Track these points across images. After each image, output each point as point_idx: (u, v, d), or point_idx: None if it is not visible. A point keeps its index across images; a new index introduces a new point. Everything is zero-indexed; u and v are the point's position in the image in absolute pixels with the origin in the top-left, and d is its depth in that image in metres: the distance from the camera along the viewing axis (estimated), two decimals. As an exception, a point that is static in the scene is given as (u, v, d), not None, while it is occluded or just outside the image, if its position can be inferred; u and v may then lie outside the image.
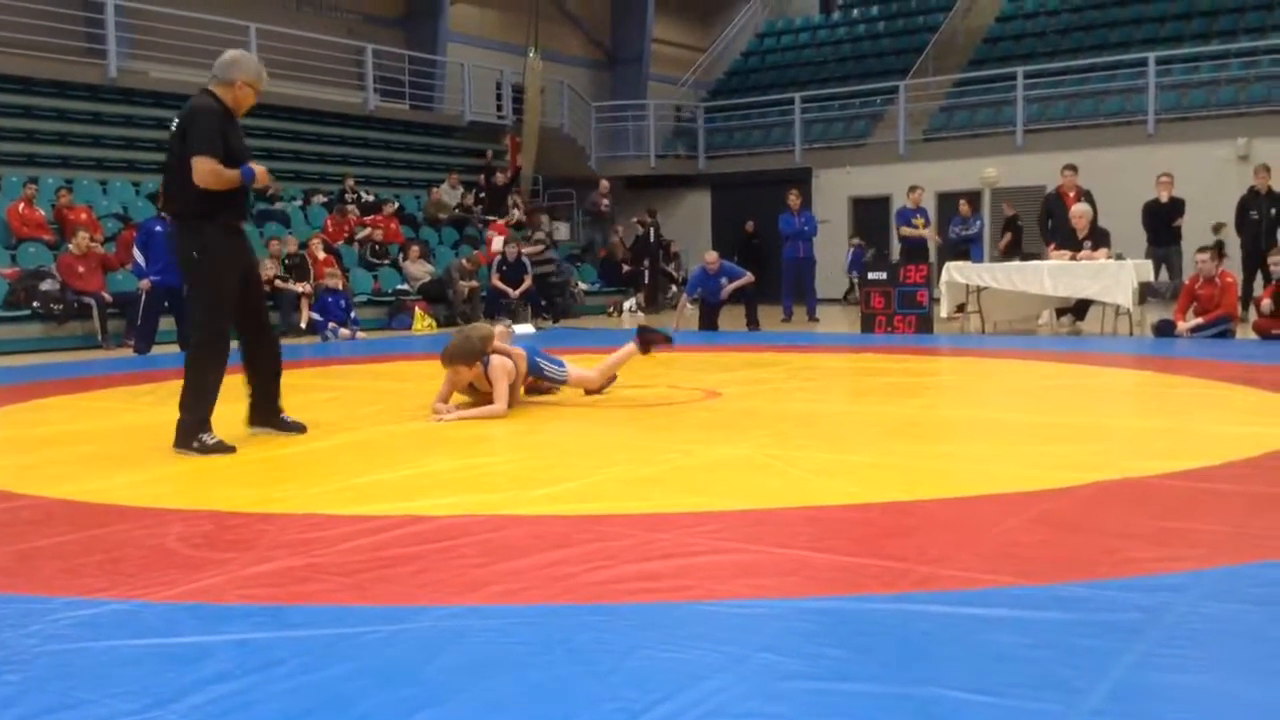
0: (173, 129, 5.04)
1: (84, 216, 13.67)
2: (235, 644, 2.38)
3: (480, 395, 6.09)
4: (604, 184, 20.06)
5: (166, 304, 11.37)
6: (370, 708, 2.03)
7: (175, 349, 11.37)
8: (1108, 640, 2.31)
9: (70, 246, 12.55)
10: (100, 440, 5.41)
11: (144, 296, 11.37)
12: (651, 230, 18.93)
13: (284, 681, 2.16)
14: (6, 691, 2.13)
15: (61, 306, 12.15)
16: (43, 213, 13.65)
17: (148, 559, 3.12)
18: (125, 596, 2.75)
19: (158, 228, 11.28)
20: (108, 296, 12.36)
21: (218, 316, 5.07)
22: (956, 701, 2.01)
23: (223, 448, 4.90)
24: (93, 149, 15.67)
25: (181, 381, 5.03)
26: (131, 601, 2.72)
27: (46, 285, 12.19)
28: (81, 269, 12.33)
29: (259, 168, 5.12)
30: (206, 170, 4.87)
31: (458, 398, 6.16)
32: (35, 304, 12.10)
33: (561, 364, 6.43)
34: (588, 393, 6.56)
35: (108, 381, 8.43)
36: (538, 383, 6.49)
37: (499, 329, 6.42)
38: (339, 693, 2.11)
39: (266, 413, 5.37)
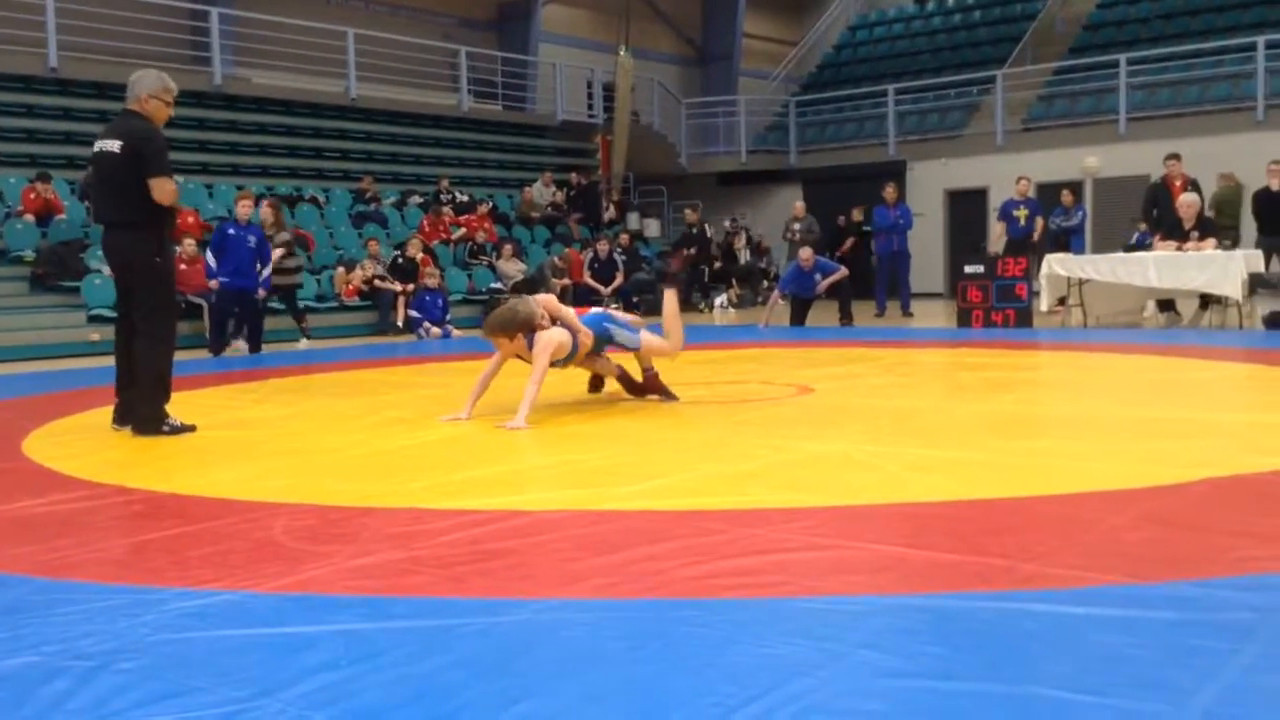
0: (112, 149, 5.50)
1: (190, 220, 14.09)
2: (339, 634, 2.43)
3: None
4: (798, 206, 18.49)
5: (236, 308, 11.59)
6: (469, 699, 2.06)
7: (301, 345, 11.55)
8: (1219, 641, 2.24)
9: (178, 249, 12.94)
10: (207, 436, 5.57)
11: (214, 298, 11.59)
12: (698, 228, 18.81)
13: (386, 671, 2.20)
14: (122, 679, 2.20)
15: (169, 307, 12.52)
16: (151, 217, 14.07)
17: (254, 551, 3.20)
18: (233, 587, 2.83)
19: (230, 230, 11.46)
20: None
21: (173, 316, 5.84)
22: (1060, 701, 1.97)
23: (186, 427, 5.56)
24: (198, 154, 16.14)
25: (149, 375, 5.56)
26: (239, 592, 2.79)
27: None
28: (184, 266, 12.70)
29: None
30: (171, 190, 5.55)
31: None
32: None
33: (636, 331, 6.13)
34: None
35: (213, 380, 8.68)
36: (595, 360, 6.22)
37: (545, 297, 6.07)
38: (439, 683, 2.14)
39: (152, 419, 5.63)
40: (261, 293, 11.65)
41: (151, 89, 5.61)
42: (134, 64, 15.26)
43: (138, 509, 3.90)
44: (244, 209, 11.63)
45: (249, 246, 11.43)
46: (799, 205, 18.73)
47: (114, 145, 5.51)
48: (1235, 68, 17.85)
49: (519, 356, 5.91)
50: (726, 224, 20.80)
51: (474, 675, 2.17)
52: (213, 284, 11.52)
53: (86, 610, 2.66)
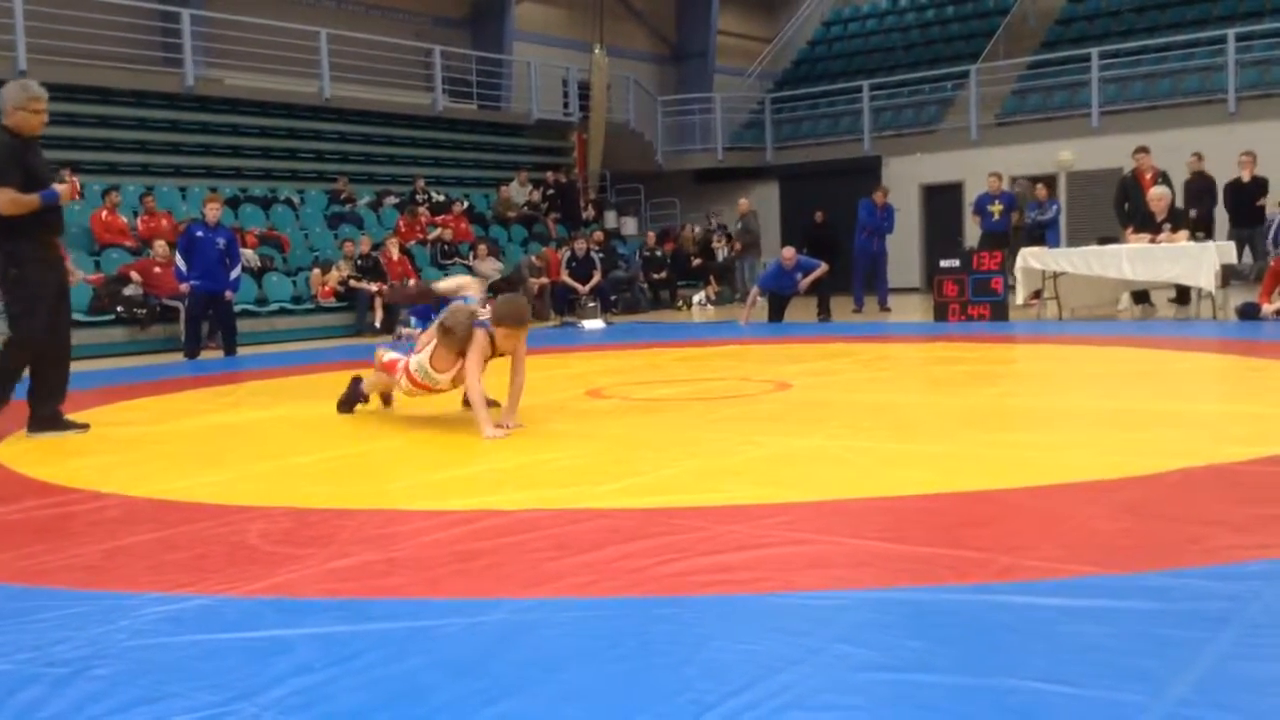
0: None
1: (164, 223, 14.00)
2: (315, 637, 2.42)
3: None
4: (743, 203, 18.61)
5: (210, 310, 11.50)
6: (446, 700, 2.05)
7: (260, 350, 11.50)
8: (1194, 630, 2.25)
9: (152, 253, 12.87)
10: (183, 440, 5.53)
11: (186, 301, 11.52)
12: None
13: (363, 674, 2.19)
14: (96, 685, 2.18)
15: (145, 311, 12.46)
16: (124, 220, 13.99)
17: (230, 555, 3.18)
18: (209, 592, 2.81)
19: (199, 233, 11.32)
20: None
21: (33, 320, 5.66)
22: (1037, 693, 1.97)
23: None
24: (171, 156, 16.03)
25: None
26: (215, 596, 2.77)
27: (129, 290, 12.51)
28: (158, 270, 12.62)
29: (61, 186, 5.77)
30: (6, 200, 5.47)
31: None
32: (119, 309, 12.42)
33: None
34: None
35: (189, 383, 8.62)
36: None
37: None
38: (416, 685, 2.13)
39: (46, 419, 5.76)
40: (229, 294, 11.55)
41: (16, 101, 5.57)
42: (104, 66, 15.24)
43: (112, 514, 3.86)
44: (213, 211, 11.50)
45: (218, 248, 11.30)
46: (743, 203, 18.81)
47: None
48: (1206, 60, 17.97)
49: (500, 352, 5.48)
50: (710, 221, 20.89)
51: (451, 676, 2.17)
52: (184, 287, 11.42)
53: (60, 617, 2.64)
